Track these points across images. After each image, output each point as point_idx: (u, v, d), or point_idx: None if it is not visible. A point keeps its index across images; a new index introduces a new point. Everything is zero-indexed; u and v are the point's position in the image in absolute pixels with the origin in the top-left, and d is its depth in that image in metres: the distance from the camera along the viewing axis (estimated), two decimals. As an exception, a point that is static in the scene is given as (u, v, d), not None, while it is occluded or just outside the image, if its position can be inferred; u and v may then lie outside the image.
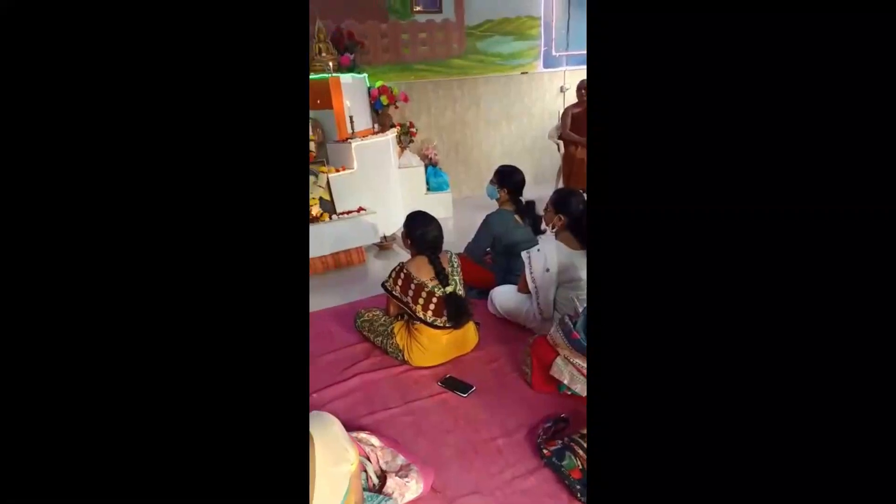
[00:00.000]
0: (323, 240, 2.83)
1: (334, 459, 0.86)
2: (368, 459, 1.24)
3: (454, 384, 1.72)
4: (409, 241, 1.87)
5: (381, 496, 1.15)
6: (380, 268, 2.92)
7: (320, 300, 2.49)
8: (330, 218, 2.88)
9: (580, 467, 1.24)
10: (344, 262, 2.94)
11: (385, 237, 3.13)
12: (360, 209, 3.00)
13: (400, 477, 1.20)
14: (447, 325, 1.79)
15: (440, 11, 3.93)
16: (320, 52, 3.17)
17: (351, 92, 3.17)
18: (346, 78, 3.14)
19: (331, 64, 3.16)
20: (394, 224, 3.30)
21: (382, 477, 1.21)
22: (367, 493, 1.12)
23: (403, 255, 2.95)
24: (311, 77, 3.11)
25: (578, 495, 1.22)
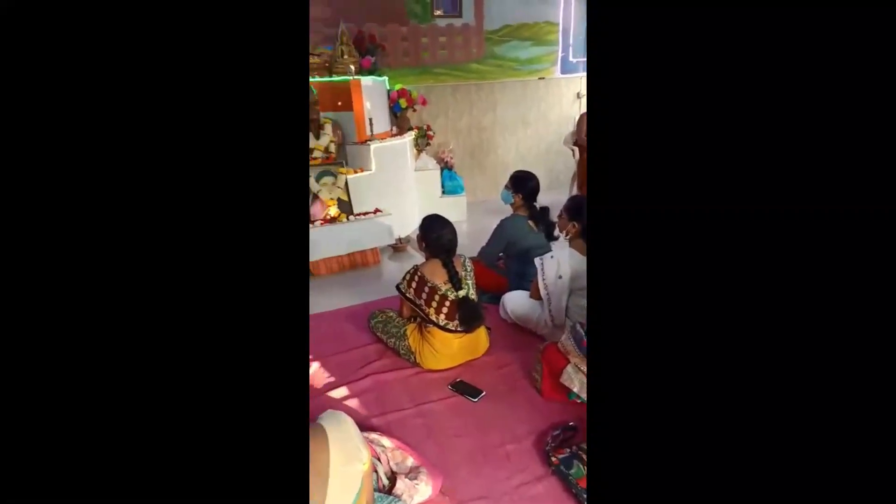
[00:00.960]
0: (340, 240, 2.87)
1: (347, 458, 0.88)
2: (379, 460, 1.26)
3: (465, 388, 1.74)
4: (423, 244, 1.89)
5: (391, 497, 1.17)
6: (394, 269, 2.95)
7: (334, 300, 2.53)
8: (347, 219, 2.92)
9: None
10: (359, 262, 2.98)
11: (400, 239, 3.16)
12: (377, 210, 3.04)
13: (410, 479, 1.22)
14: (459, 328, 1.81)
15: (460, 16, 3.96)
16: (342, 55, 3.23)
17: (371, 94, 3.21)
18: (366, 80, 3.18)
19: (352, 67, 3.21)
20: (409, 226, 3.34)
21: (392, 478, 1.23)
22: (377, 494, 1.14)
23: (418, 257, 2.98)
24: (332, 79, 3.16)
25: (586, 504, 1.22)
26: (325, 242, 2.83)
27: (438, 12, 3.87)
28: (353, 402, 1.69)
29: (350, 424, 0.94)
